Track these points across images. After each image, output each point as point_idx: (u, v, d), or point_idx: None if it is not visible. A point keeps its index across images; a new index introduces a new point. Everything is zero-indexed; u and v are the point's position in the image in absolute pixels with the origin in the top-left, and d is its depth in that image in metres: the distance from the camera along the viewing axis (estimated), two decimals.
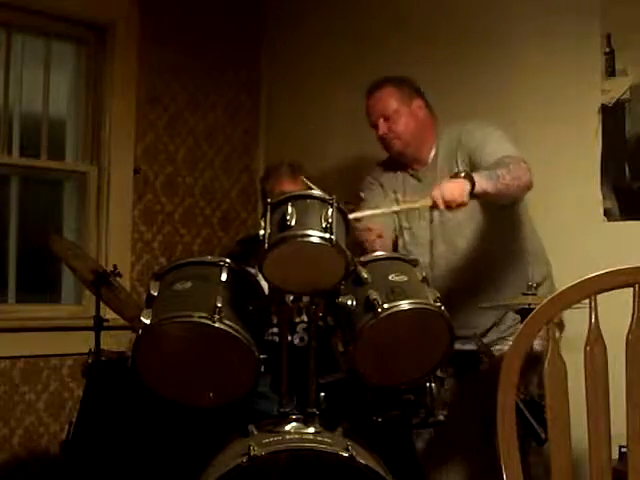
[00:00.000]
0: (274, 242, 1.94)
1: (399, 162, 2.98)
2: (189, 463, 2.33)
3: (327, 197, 2.05)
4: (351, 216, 2.19)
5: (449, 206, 2.37)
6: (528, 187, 2.63)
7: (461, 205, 2.38)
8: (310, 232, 1.94)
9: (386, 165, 3.05)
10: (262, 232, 1.96)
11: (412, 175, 2.95)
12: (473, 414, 2.65)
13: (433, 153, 2.91)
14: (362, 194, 3.00)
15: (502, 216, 2.82)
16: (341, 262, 1.97)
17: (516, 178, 2.55)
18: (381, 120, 2.88)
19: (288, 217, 1.94)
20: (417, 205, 2.58)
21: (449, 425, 2.31)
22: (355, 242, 2.55)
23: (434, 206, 2.39)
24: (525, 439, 2.07)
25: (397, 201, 2.92)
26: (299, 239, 1.95)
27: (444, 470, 2.91)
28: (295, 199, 2.03)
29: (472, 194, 2.41)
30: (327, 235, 1.93)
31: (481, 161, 2.70)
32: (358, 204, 2.87)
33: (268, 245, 1.94)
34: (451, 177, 2.51)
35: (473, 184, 2.40)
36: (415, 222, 2.91)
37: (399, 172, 2.99)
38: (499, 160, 2.60)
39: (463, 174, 2.45)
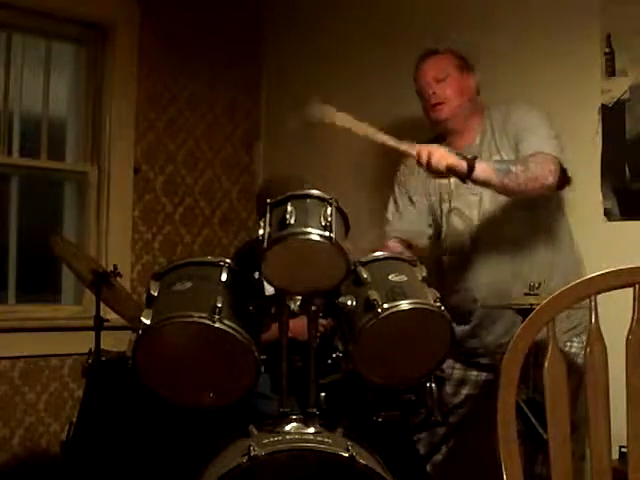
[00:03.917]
0: (273, 240, 1.94)
1: (444, 137, 2.85)
2: (189, 463, 2.32)
3: (326, 196, 2.05)
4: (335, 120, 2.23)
5: (428, 166, 2.42)
6: (547, 188, 2.57)
7: (437, 173, 2.43)
8: (309, 230, 1.94)
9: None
10: (261, 232, 1.97)
11: (457, 154, 2.81)
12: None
13: (479, 137, 2.81)
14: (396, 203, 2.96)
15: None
16: (341, 261, 1.97)
17: (532, 179, 2.51)
18: (433, 81, 2.79)
19: (287, 216, 1.94)
20: (401, 147, 2.54)
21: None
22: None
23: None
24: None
25: (443, 201, 2.85)
26: (299, 237, 1.94)
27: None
28: (294, 198, 2.03)
29: (470, 178, 2.44)
30: (327, 233, 1.93)
31: (520, 149, 2.66)
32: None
33: (267, 244, 1.94)
34: (457, 154, 2.51)
35: (471, 168, 2.41)
36: (462, 199, 2.82)
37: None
38: (529, 156, 2.57)
39: (470, 156, 2.46)
